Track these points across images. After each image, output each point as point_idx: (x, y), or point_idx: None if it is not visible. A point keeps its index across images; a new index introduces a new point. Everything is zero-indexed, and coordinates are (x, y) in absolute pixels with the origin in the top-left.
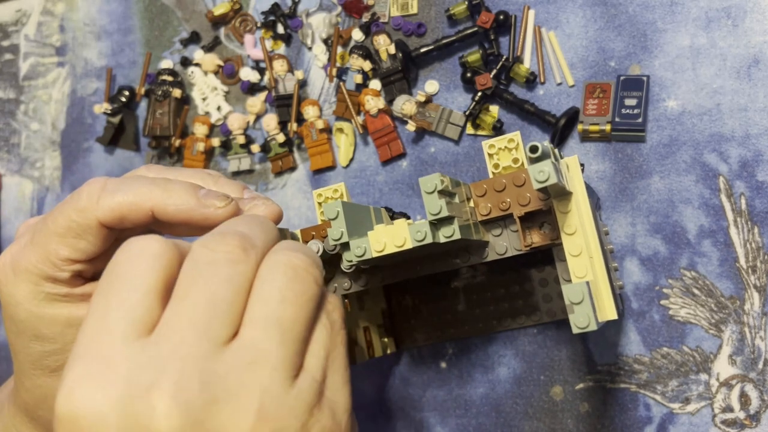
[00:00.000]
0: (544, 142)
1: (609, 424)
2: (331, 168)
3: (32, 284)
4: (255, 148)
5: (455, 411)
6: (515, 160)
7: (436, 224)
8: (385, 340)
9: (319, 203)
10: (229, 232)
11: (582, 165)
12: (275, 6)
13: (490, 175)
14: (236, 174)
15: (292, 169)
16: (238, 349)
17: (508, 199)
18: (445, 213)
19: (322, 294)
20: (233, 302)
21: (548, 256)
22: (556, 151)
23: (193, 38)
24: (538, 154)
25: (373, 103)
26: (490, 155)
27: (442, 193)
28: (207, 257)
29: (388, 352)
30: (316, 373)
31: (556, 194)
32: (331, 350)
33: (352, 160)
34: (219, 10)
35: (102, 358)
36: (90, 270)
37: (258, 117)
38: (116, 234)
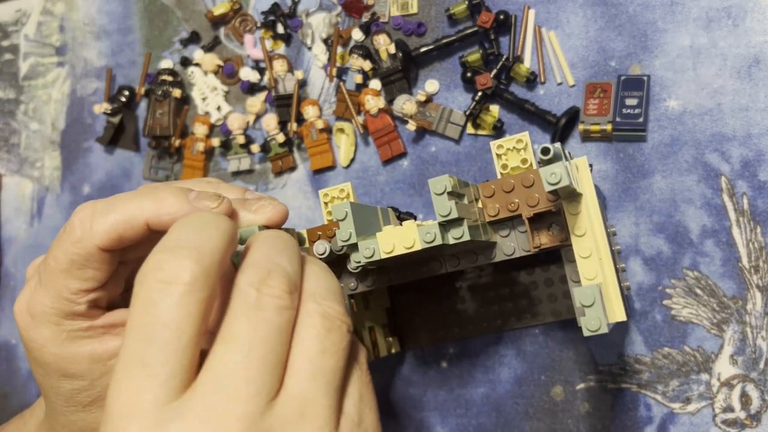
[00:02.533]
0: (556, 144)
1: (609, 424)
2: (331, 168)
3: (53, 325)
4: (255, 148)
5: (456, 411)
6: (524, 161)
7: (446, 225)
8: (390, 339)
9: (326, 203)
10: (275, 269)
11: (590, 165)
12: (275, 6)
13: (498, 176)
14: (236, 174)
15: (292, 169)
16: (287, 403)
17: (517, 200)
18: (455, 214)
19: (353, 340)
20: (282, 353)
21: (553, 256)
22: (567, 152)
23: (193, 38)
24: (550, 156)
25: (374, 102)
26: (499, 156)
27: (452, 194)
28: (255, 301)
29: (393, 351)
30: (354, 416)
31: (565, 196)
32: (363, 392)
33: (353, 160)
34: (219, 10)
35: (154, 422)
36: (104, 297)
37: (258, 117)
38: (119, 254)
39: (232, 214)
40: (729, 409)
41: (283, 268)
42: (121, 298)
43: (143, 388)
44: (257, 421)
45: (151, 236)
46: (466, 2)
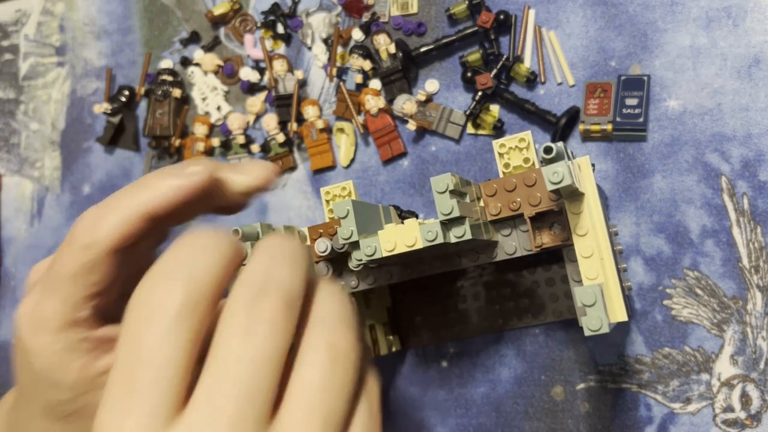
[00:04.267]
0: (558, 143)
1: (609, 424)
2: (332, 168)
3: (53, 334)
4: (255, 148)
5: (456, 410)
6: (526, 160)
7: (447, 224)
8: (390, 338)
9: (327, 201)
10: (270, 286)
11: (593, 165)
12: (275, 6)
13: (501, 175)
14: None
15: (292, 169)
16: None
17: (519, 199)
18: (456, 213)
19: (362, 373)
20: (274, 380)
21: (555, 255)
22: (569, 151)
23: (193, 38)
24: (553, 155)
25: (374, 102)
26: (501, 155)
27: (454, 192)
28: (245, 325)
29: (393, 350)
30: None
31: (567, 195)
32: None
33: (353, 160)
34: (219, 9)
35: None
36: (104, 303)
37: (258, 117)
38: (123, 253)
39: (217, 177)
40: (729, 409)
41: (280, 282)
42: (116, 305)
43: (128, 420)
44: None
45: (157, 225)
46: (466, 2)
